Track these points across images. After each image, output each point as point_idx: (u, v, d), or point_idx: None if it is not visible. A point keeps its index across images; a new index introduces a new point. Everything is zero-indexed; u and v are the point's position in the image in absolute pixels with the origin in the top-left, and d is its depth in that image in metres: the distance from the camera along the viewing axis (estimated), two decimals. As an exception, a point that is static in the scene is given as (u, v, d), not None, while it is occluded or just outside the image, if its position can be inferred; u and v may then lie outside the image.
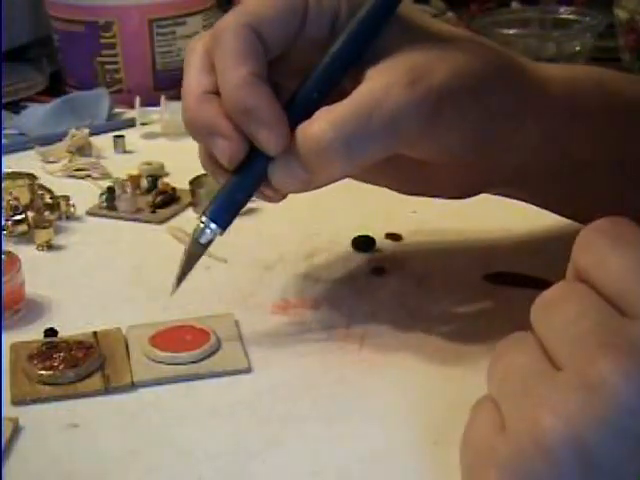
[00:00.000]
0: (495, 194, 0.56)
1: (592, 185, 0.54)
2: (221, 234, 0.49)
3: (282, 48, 0.48)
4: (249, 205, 0.68)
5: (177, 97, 0.84)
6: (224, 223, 0.49)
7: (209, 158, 0.49)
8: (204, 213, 0.49)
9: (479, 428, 0.35)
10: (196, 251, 0.50)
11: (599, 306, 0.34)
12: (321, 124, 0.46)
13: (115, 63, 0.90)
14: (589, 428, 0.32)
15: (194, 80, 0.49)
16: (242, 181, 0.49)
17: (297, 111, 0.47)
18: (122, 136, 0.80)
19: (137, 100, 0.82)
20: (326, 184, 0.49)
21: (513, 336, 0.37)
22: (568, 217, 0.57)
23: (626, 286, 0.34)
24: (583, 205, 0.53)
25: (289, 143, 0.47)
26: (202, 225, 0.49)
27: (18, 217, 0.64)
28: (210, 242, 0.49)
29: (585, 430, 0.32)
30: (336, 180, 0.49)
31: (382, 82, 0.46)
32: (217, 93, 0.48)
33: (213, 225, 0.49)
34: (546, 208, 0.57)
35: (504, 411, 0.34)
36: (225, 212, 0.49)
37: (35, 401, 0.48)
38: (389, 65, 0.47)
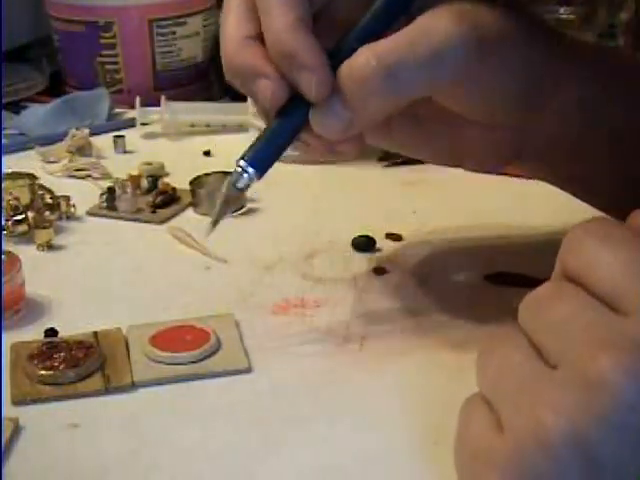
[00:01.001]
0: (522, 173, 0.55)
1: (623, 160, 0.53)
2: (258, 179, 0.48)
3: (325, 1, 0.48)
4: (249, 205, 0.68)
5: (177, 97, 0.85)
6: (262, 168, 0.48)
7: (258, 105, 0.49)
8: (242, 157, 0.48)
9: (474, 428, 0.35)
10: (233, 195, 0.49)
11: (591, 304, 0.34)
12: (366, 54, 0.46)
13: (115, 63, 0.90)
14: (591, 425, 0.32)
15: (234, 25, 0.48)
16: (282, 126, 0.48)
17: (341, 58, 0.47)
18: (122, 136, 0.80)
19: (137, 100, 0.82)
20: (368, 126, 0.48)
21: (499, 333, 0.37)
22: (589, 200, 0.56)
23: (617, 284, 0.34)
24: (610, 185, 0.53)
25: (331, 90, 0.46)
26: (239, 169, 0.48)
27: (18, 217, 0.64)
28: (247, 187, 0.48)
29: (587, 427, 0.32)
30: (378, 120, 0.48)
31: (429, 19, 0.46)
32: (258, 39, 0.48)
33: (251, 170, 0.48)
34: (570, 188, 0.56)
35: (501, 411, 0.34)
36: (263, 157, 0.48)
37: (35, 401, 0.48)
38: (436, 9, 0.46)
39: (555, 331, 0.34)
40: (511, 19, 0.48)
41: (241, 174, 0.48)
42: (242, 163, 0.48)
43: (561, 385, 0.33)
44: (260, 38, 0.48)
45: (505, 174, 0.67)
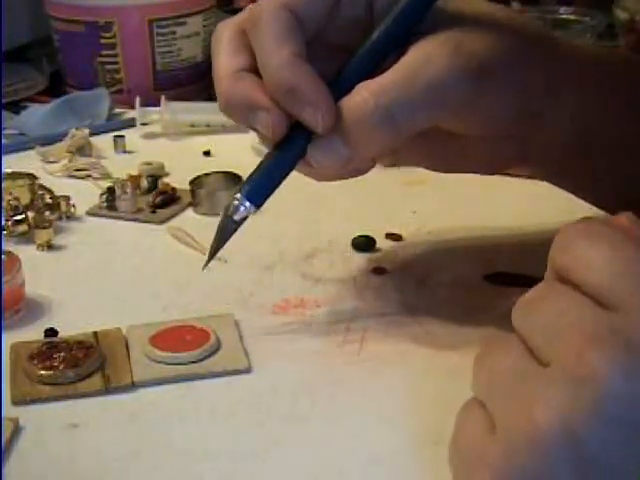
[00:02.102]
0: (525, 174, 0.55)
1: (621, 167, 0.53)
2: (255, 212, 0.48)
3: (318, 28, 0.49)
4: (249, 205, 0.68)
5: (177, 97, 0.85)
6: (259, 201, 0.48)
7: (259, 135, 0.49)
8: (239, 190, 0.48)
9: (468, 430, 0.35)
10: (229, 228, 0.49)
11: (580, 302, 0.34)
12: (363, 94, 0.46)
13: (115, 63, 0.90)
14: (581, 421, 0.32)
15: (227, 59, 0.49)
16: (280, 158, 0.48)
17: (340, 91, 0.47)
18: (122, 136, 0.80)
19: (137, 100, 0.82)
20: (364, 163, 0.48)
21: (495, 338, 0.37)
22: (593, 202, 0.56)
23: (606, 280, 0.34)
24: (611, 189, 0.54)
25: (335, 120, 0.46)
26: (236, 202, 0.48)
27: (18, 217, 0.64)
28: (244, 219, 0.49)
29: (577, 423, 0.32)
30: (375, 156, 0.48)
31: (424, 51, 0.46)
32: (251, 71, 0.48)
33: (247, 203, 0.48)
34: (573, 190, 0.56)
35: (493, 411, 0.35)
36: (260, 190, 0.48)
37: (35, 401, 0.48)
38: (429, 39, 0.47)
39: (545, 329, 0.35)
40: (506, 41, 0.48)
41: (238, 206, 0.48)
42: (238, 196, 0.48)
43: (551, 382, 0.33)
44: (254, 70, 0.48)
45: (505, 174, 0.67)
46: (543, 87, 0.49)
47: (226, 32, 0.50)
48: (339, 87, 0.47)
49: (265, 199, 0.49)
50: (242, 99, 0.48)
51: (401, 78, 0.46)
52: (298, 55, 0.47)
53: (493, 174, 0.54)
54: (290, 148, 0.48)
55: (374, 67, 0.47)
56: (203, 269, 0.51)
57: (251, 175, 0.49)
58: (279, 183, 0.49)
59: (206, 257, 0.50)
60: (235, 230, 0.49)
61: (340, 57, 0.48)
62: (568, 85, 0.50)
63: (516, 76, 0.48)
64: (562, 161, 0.53)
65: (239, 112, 0.48)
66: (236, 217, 0.48)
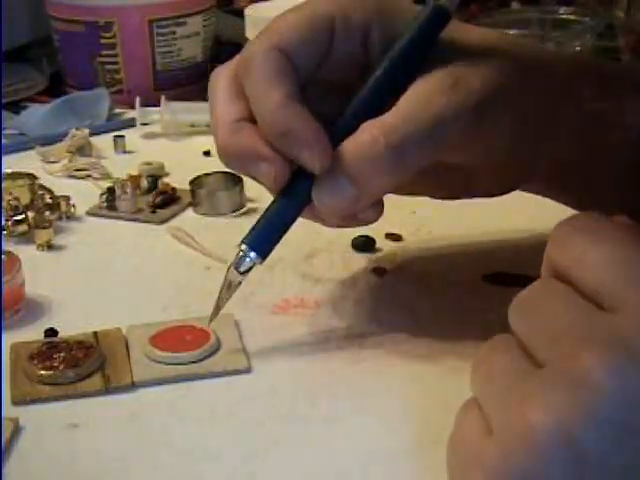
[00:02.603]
0: (529, 191, 0.56)
1: (622, 183, 0.53)
2: (261, 263, 0.49)
3: (313, 67, 0.48)
4: (249, 205, 0.68)
5: (177, 97, 0.85)
6: (264, 252, 0.48)
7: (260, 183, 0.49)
8: (243, 241, 0.48)
9: (465, 430, 0.35)
10: (235, 279, 0.49)
11: (577, 302, 0.34)
12: (372, 132, 0.46)
13: (115, 63, 0.90)
14: (577, 423, 0.32)
15: (224, 109, 0.48)
16: (284, 207, 0.48)
17: (343, 131, 0.47)
18: (122, 136, 0.80)
19: (137, 100, 0.82)
20: (370, 201, 0.48)
21: (493, 340, 0.37)
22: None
23: (603, 281, 0.34)
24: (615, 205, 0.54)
25: (332, 159, 0.46)
26: (241, 254, 0.48)
27: (18, 217, 0.64)
28: (249, 270, 0.49)
29: (573, 425, 0.32)
30: (381, 195, 0.48)
31: (424, 89, 0.46)
32: (248, 120, 0.48)
33: (252, 254, 0.48)
34: (578, 206, 0.56)
35: (489, 412, 0.35)
36: (265, 240, 0.48)
37: (35, 401, 0.48)
38: (428, 77, 0.47)
39: (541, 330, 0.35)
40: (503, 72, 0.48)
41: (243, 257, 0.48)
42: (244, 247, 0.48)
43: (547, 384, 0.33)
44: (251, 119, 0.48)
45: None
46: (541, 110, 0.49)
47: (221, 79, 0.49)
48: (342, 128, 0.47)
49: (270, 249, 0.49)
50: (241, 150, 0.47)
51: (406, 116, 0.46)
52: (291, 97, 0.46)
53: (496, 196, 0.54)
54: (294, 195, 0.48)
55: (376, 107, 0.47)
56: (208, 324, 0.51)
57: (256, 224, 0.49)
58: (284, 232, 0.48)
59: (211, 312, 0.50)
60: (240, 282, 0.49)
61: (337, 94, 0.48)
62: (567, 104, 0.50)
63: (513, 107, 0.48)
64: (564, 180, 0.54)
65: (238, 163, 0.48)
66: (241, 269, 0.49)
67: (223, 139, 0.48)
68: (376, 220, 0.50)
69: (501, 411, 0.34)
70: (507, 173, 0.52)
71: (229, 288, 0.50)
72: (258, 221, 0.49)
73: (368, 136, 0.46)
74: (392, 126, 0.46)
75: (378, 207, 0.49)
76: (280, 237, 0.49)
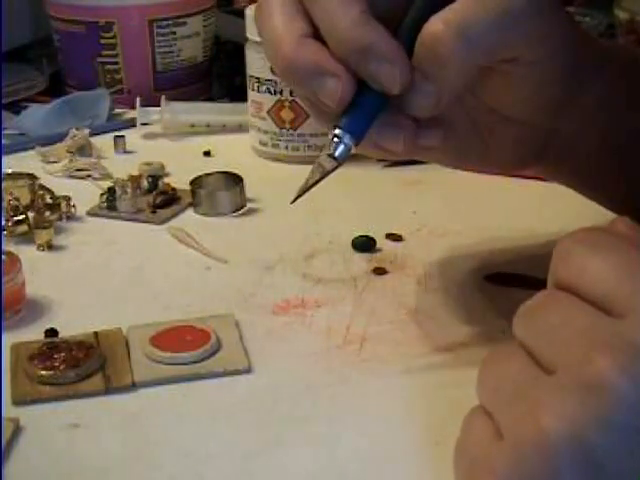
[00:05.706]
0: (542, 175, 0.55)
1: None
2: (355, 146, 0.47)
3: None
4: (249, 205, 0.68)
5: (177, 97, 0.85)
6: (360, 133, 0.46)
7: (313, 105, 0.48)
8: (337, 126, 0.46)
9: (473, 438, 0.35)
10: (329, 167, 0.47)
11: (585, 309, 0.34)
12: (436, 22, 0.45)
13: (115, 63, 0.90)
14: (589, 427, 0.32)
15: (286, 25, 0.47)
16: (364, 105, 0.46)
17: (405, 42, 0.46)
18: (122, 136, 0.80)
19: (137, 100, 0.82)
20: (452, 97, 0.47)
21: (499, 347, 0.37)
22: (608, 205, 0.56)
23: (610, 287, 0.34)
24: (629, 189, 0.54)
25: (411, 79, 0.45)
26: (337, 139, 0.46)
27: (19, 217, 0.64)
28: (345, 157, 0.47)
29: (586, 429, 0.32)
30: (460, 89, 0.48)
31: None
32: (312, 37, 0.46)
33: (347, 138, 0.46)
34: (588, 191, 0.56)
35: (499, 419, 0.34)
36: (360, 122, 0.46)
37: (36, 401, 0.48)
38: None
39: (550, 337, 0.35)
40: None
41: (338, 143, 0.46)
42: (338, 132, 0.46)
43: (558, 389, 0.33)
44: (315, 36, 0.47)
45: (505, 175, 0.67)
46: (573, 69, 0.50)
47: None
48: (407, 34, 0.46)
49: (364, 134, 0.47)
50: (308, 64, 0.46)
51: (471, 4, 0.45)
52: (367, 13, 0.45)
53: (510, 172, 0.54)
54: (364, 105, 0.46)
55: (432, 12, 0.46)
56: (292, 203, 0.48)
57: (343, 115, 0.47)
58: (374, 119, 0.47)
59: (296, 194, 0.48)
60: (335, 169, 0.47)
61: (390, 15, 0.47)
62: (592, 76, 0.51)
63: (564, 38, 0.48)
64: (580, 159, 0.53)
65: (302, 77, 0.47)
66: (337, 153, 0.47)
67: (287, 53, 0.46)
68: (438, 145, 0.49)
69: (512, 417, 0.34)
70: (523, 142, 0.52)
71: (323, 176, 0.47)
72: (344, 113, 0.46)
73: (434, 27, 0.45)
74: (457, 14, 0.45)
75: (439, 131, 0.49)
76: (371, 122, 0.47)
